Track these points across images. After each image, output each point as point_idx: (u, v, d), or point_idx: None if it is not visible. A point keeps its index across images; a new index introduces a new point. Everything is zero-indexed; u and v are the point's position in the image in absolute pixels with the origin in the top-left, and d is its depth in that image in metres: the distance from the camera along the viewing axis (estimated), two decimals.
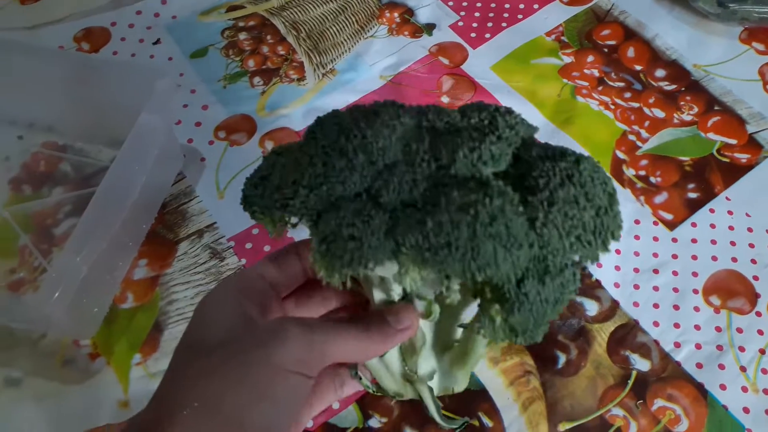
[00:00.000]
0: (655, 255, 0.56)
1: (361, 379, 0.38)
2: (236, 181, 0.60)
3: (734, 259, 0.56)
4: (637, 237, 0.57)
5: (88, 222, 0.48)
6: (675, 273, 0.55)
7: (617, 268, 0.55)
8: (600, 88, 0.66)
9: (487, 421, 0.49)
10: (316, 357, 0.30)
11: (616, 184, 0.58)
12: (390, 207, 0.28)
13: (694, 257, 0.56)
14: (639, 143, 0.62)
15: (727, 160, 0.61)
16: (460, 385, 0.37)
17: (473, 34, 0.70)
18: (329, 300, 0.38)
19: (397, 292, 0.33)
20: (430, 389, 0.36)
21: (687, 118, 0.64)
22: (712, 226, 0.57)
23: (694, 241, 0.57)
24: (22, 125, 0.63)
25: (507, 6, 0.73)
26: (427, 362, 0.36)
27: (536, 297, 0.28)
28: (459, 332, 0.37)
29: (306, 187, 0.29)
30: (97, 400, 0.50)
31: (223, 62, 0.68)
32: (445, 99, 0.65)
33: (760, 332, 0.52)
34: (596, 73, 0.67)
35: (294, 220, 0.31)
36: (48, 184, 0.60)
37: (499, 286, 0.28)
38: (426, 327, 0.36)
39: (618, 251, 0.56)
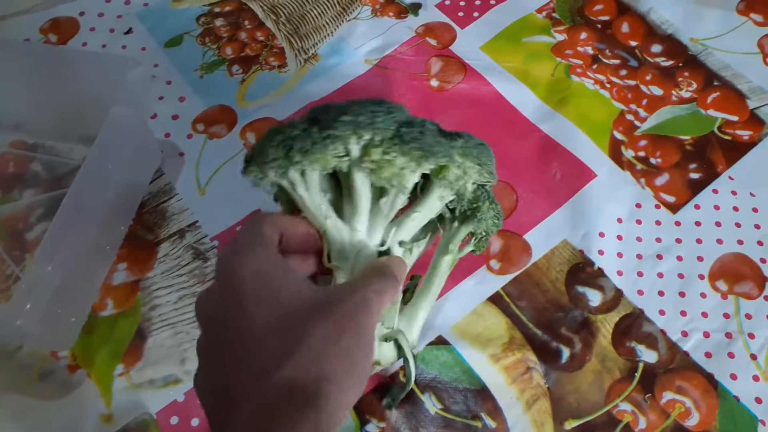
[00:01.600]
0: (658, 240, 0.54)
1: None
2: (218, 176, 0.57)
3: (740, 242, 0.54)
4: (638, 221, 0.55)
5: (59, 227, 0.45)
6: (679, 258, 0.53)
7: (619, 255, 0.53)
8: (595, 66, 0.63)
9: (490, 422, 0.46)
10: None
11: (615, 166, 0.57)
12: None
13: (699, 241, 0.54)
14: (637, 123, 0.60)
15: (728, 137, 0.59)
16: (416, 328, 0.44)
17: (461, 13, 0.67)
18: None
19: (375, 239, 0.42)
20: (405, 338, 0.43)
21: (686, 94, 0.62)
22: (716, 207, 0.55)
23: (697, 223, 0.55)
24: None
25: None
26: (398, 318, 0.43)
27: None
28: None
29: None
30: (78, 415, 0.47)
31: (200, 51, 0.65)
32: (434, 82, 0.62)
33: None
34: (590, 50, 0.64)
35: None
36: (18, 186, 0.57)
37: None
38: None
39: (620, 237, 0.54)
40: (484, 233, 0.46)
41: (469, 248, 0.47)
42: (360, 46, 0.65)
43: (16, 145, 0.59)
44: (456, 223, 0.46)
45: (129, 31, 0.66)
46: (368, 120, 0.40)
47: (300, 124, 0.42)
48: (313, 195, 0.41)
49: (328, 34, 0.66)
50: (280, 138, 0.41)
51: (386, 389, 0.47)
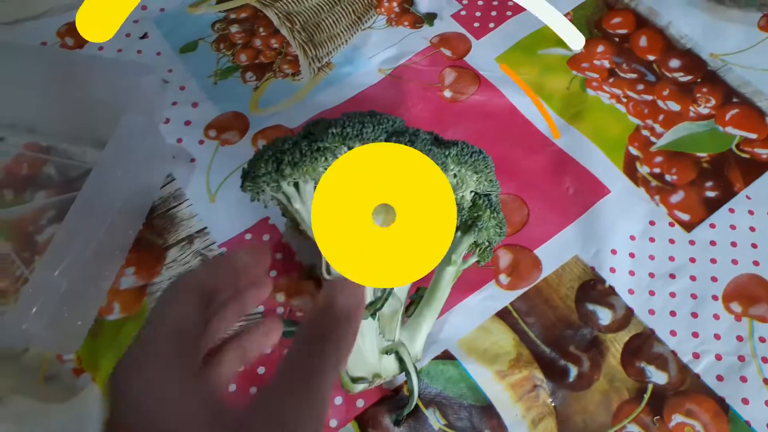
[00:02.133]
0: (672, 258, 0.53)
1: None
2: (228, 183, 0.57)
3: (756, 263, 0.52)
4: (652, 239, 0.54)
5: (67, 232, 0.46)
6: (693, 278, 0.52)
7: (631, 273, 0.52)
8: (611, 80, 0.63)
9: None
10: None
11: (629, 183, 0.56)
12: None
13: (713, 261, 0.53)
14: (653, 138, 0.59)
15: (746, 155, 0.58)
16: (419, 340, 0.45)
17: (476, 24, 0.67)
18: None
19: None
20: (407, 351, 0.44)
21: (704, 111, 0.61)
22: (732, 227, 0.54)
23: (712, 243, 0.53)
24: (2, 126, 0.60)
25: None
26: (399, 330, 0.44)
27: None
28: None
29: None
30: (82, 419, 0.47)
31: (214, 57, 0.65)
32: (447, 93, 0.62)
33: None
34: (607, 63, 0.64)
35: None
36: (31, 188, 0.57)
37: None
38: (400, 293, 0.44)
39: (632, 254, 0.53)
40: (486, 243, 0.47)
41: (473, 259, 0.47)
42: (374, 55, 0.65)
43: (30, 147, 0.59)
44: (458, 233, 0.46)
45: (145, 36, 0.66)
46: (356, 131, 0.40)
47: (293, 138, 0.42)
48: (309, 208, 0.41)
49: (343, 43, 0.65)
50: (270, 152, 0.41)
51: (392, 403, 0.47)
